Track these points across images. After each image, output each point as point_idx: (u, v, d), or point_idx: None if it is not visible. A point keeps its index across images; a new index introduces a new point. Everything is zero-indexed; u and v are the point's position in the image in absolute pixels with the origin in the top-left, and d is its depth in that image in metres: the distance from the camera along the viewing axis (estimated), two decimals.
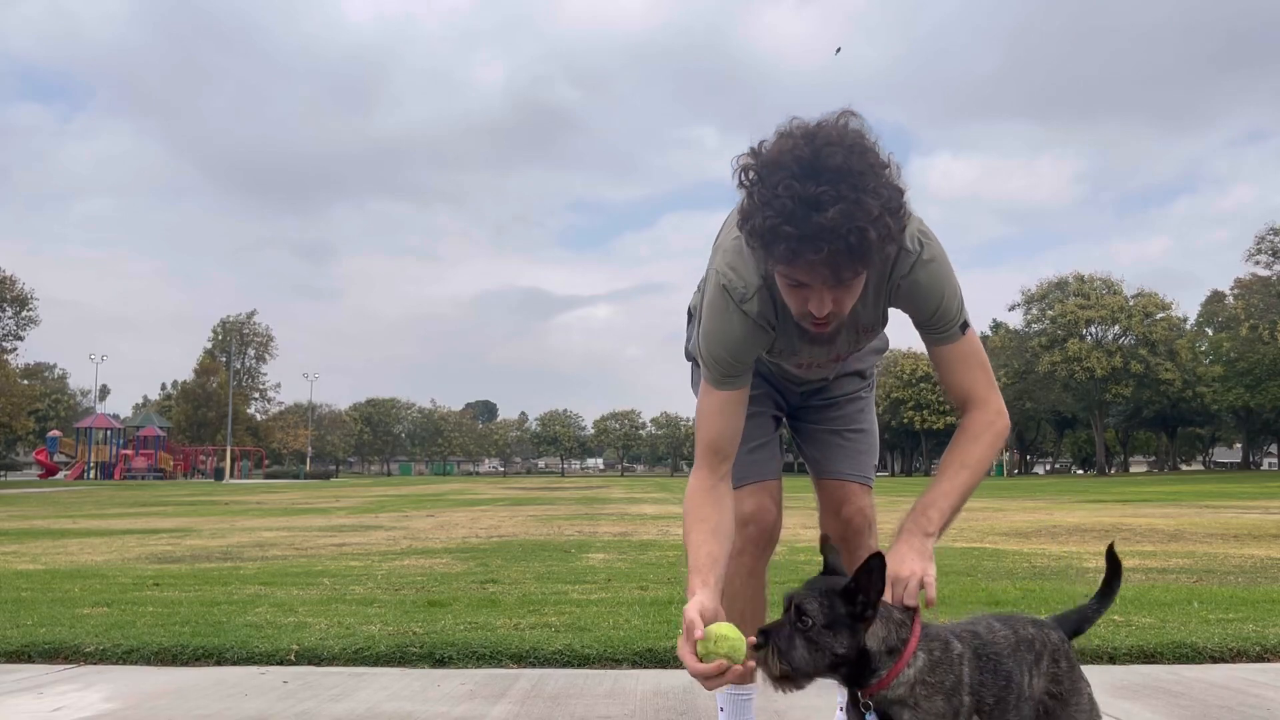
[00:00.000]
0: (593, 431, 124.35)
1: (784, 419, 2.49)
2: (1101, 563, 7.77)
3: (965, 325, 2.05)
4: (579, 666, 3.50)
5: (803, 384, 2.39)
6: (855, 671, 1.59)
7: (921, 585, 1.72)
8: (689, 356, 2.45)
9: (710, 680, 1.67)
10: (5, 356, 58.45)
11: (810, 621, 1.57)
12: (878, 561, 1.57)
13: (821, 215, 1.58)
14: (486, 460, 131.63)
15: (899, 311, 2.11)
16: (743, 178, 1.70)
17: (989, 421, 2.06)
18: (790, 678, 1.58)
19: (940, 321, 2.02)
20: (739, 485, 2.22)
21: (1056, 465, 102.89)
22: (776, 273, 1.79)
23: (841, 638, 1.56)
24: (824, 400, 2.42)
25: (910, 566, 1.75)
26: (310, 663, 3.57)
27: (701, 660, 1.66)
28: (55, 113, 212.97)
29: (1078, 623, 1.82)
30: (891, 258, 1.90)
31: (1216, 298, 70.32)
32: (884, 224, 1.65)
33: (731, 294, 1.93)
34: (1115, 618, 4.29)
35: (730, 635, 1.70)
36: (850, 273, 1.72)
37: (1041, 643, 1.70)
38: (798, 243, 1.62)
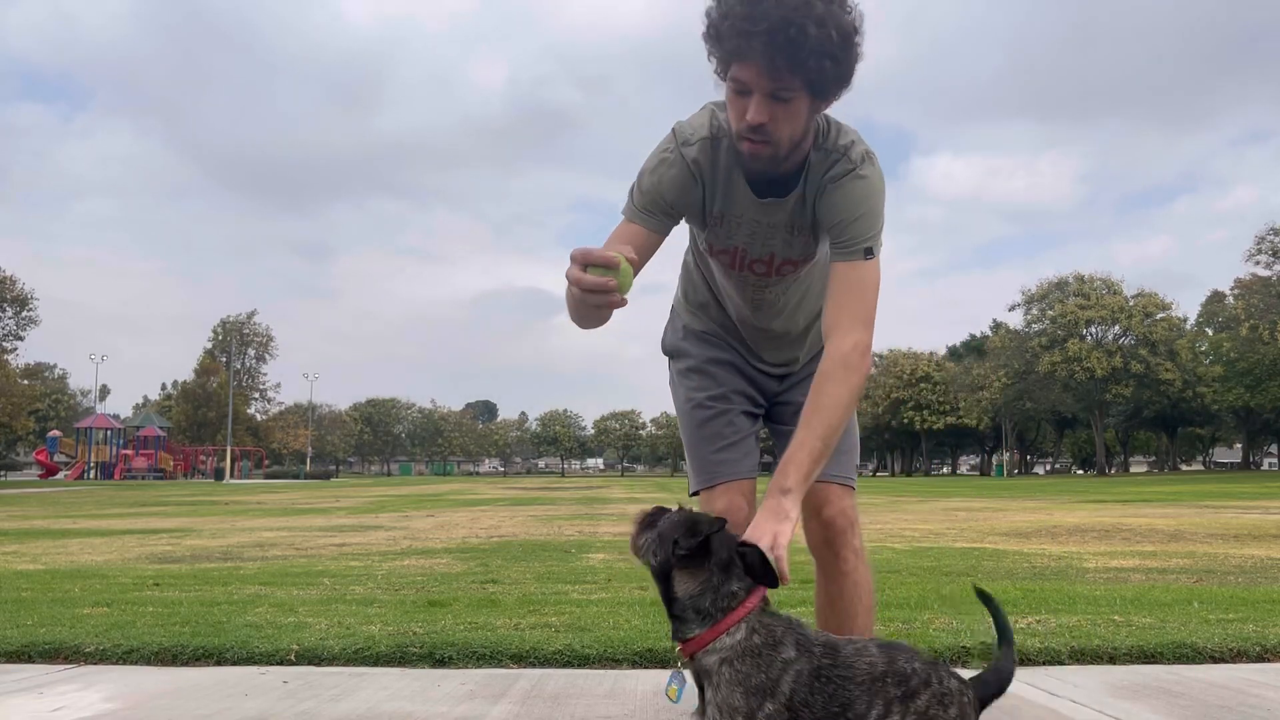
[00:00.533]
0: (593, 432, 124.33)
1: (760, 418, 2.47)
2: (1102, 563, 7.79)
3: (870, 252, 2.06)
4: (579, 666, 3.50)
5: (767, 344, 2.39)
6: (664, 600, 1.64)
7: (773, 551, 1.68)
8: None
9: (590, 296, 1.71)
10: (5, 356, 58.45)
11: (660, 524, 1.64)
12: (718, 527, 1.61)
13: (766, 4, 1.74)
14: (486, 460, 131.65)
15: None
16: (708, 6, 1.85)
17: (844, 357, 1.95)
18: (631, 546, 1.69)
19: (848, 235, 2.04)
20: (711, 484, 2.28)
21: (1056, 465, 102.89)
22: (728, 82, 1.88)
23: (659, 557, 1.62)
24: (803, 395, 2.39)
25: (760, 529, 1.74)
26: (310, 663, 3.57)
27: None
28: (56, 113, 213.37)
29: (998, 684, 1.65)
30: (833, 136, 2.04)
31: (1216, 298, 70.32)
32: (828, 33, 1.75)
33: (678, 134, 2.06)
34: (1115, 618, 4.29)
35: (626, 270, 1.74)
36: (787, 74, 1.80)
37: (923, 681, 1.54)
38: (741, 31, 1.76)
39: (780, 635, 1.55)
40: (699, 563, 1.59)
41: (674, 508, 1.69)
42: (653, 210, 2.07)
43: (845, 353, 1.95)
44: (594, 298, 1.72)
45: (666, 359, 2.56)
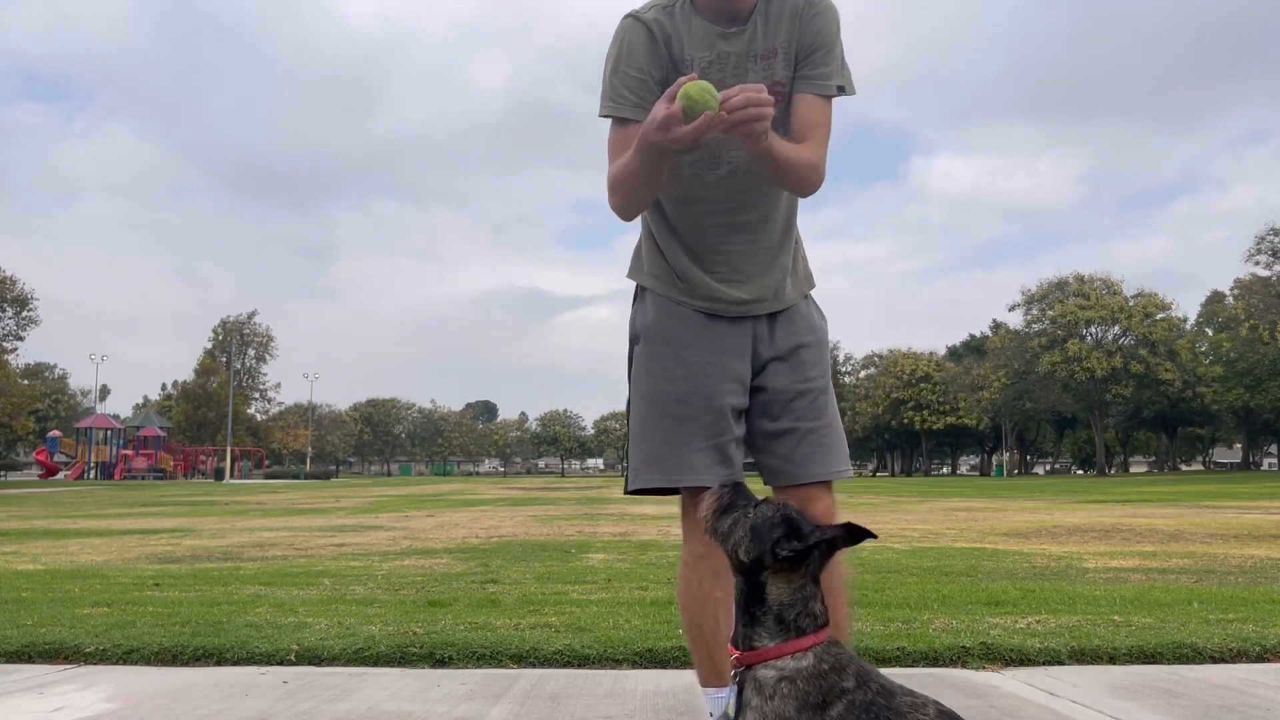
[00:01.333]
0: (593, 431, 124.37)
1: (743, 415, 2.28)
2: (1102, 563, 7.79)
3: (843, 90, 2.11)
4: (579, 666, 3.50)
5: (747, 249, 2.19)
6: (743, 604, 1.54)
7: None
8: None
9: (680, 130, 1.72)
10: (5, 356, 58.45)
11: (750, 513, 1.54)
12: (844, 533, 1.51)
13: None
14: (486, 460, 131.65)
15: None
16: None
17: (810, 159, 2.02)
18: (706, 525, 1.59)
19: (824, 67, 2.07)
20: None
21: (1056, 465, 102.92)
22: None
23: (750, 550, 1.51)
24: (794, 383, 2.21)
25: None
26: (310, 663, 3.57)
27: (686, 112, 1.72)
28: (57, 113, 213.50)
29: None
30: None
31: (1216, 298, 70.32)
32: None
33: (634, 12, 2.09)
34: (1115, 618, 4.30)
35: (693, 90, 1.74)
36: None
37: None
38: None
39: (845, 664, 1.50)
40: (796, 568, 1.50)
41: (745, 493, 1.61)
42: (636, 89, 2.02)
43: (815, 161, 2.02)
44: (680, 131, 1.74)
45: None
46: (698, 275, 2.17)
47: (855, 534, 1.52)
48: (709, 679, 2.10)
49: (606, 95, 2.06)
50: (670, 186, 2.11)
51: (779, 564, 1.49)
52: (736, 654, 1.52)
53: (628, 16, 2.07)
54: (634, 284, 2.28)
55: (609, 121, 2.07)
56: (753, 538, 1.51)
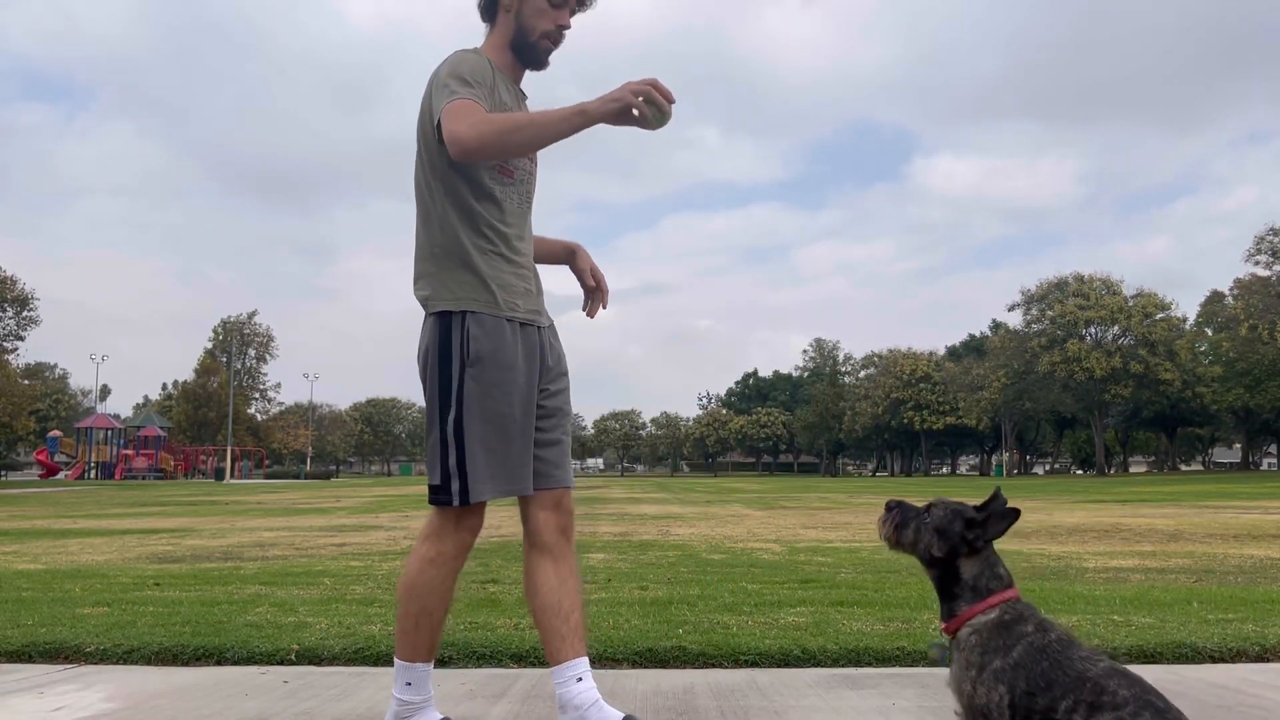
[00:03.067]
0: (593, 431, 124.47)
1: None
2: (1101, 562, 7.79)
3: None
4: None
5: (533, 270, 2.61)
6: (941, 586, 1.85)
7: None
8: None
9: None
10: (6, 356, 58.41)
11: (929, 519, 1.85)
12: (1010, 511, 1.83)
13: None
14: None
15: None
16: None
17: None
18: (891, 542, 1.92)
19: None
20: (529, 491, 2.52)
21: (1056, 465, 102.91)
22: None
23: (941, 546, 1.83)
24: (556, 397, 2.59)
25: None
26: (311, 662, 3.57)
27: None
28: (58, 113, 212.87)
29: None
30: None
31: (1216, 298, 70.32)
32: None
33: (477, 49, 2.55)
34: (1115, 617, 4.30)
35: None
36: None
37: (1114, 705, 1.59)
38: None
39: (1026, 615, 1.76)
40: (981, 550, 1.83)
41: (920, 503, 1.93)
42: (485, 95, 2.40)
43: None
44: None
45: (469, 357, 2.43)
46: (520, 287, 2.49)
47: (1013, 513, 1.84)
48: (425, 656, 2.46)
49: (460, 88, 2.37)
50: (492, 208, 2.45)
51: (971, 550, 1.82)
52: (944, 625, 1.84)
53: (467, 50, 2.51)
54: (437, 308, 2.44)
55: (469, 102, 2.35)
56: (941, 537, 1.83)
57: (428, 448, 2.45)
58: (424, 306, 2.46)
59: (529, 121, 2.31)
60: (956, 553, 1.81)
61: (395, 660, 2.47)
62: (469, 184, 2.42)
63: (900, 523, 1.89)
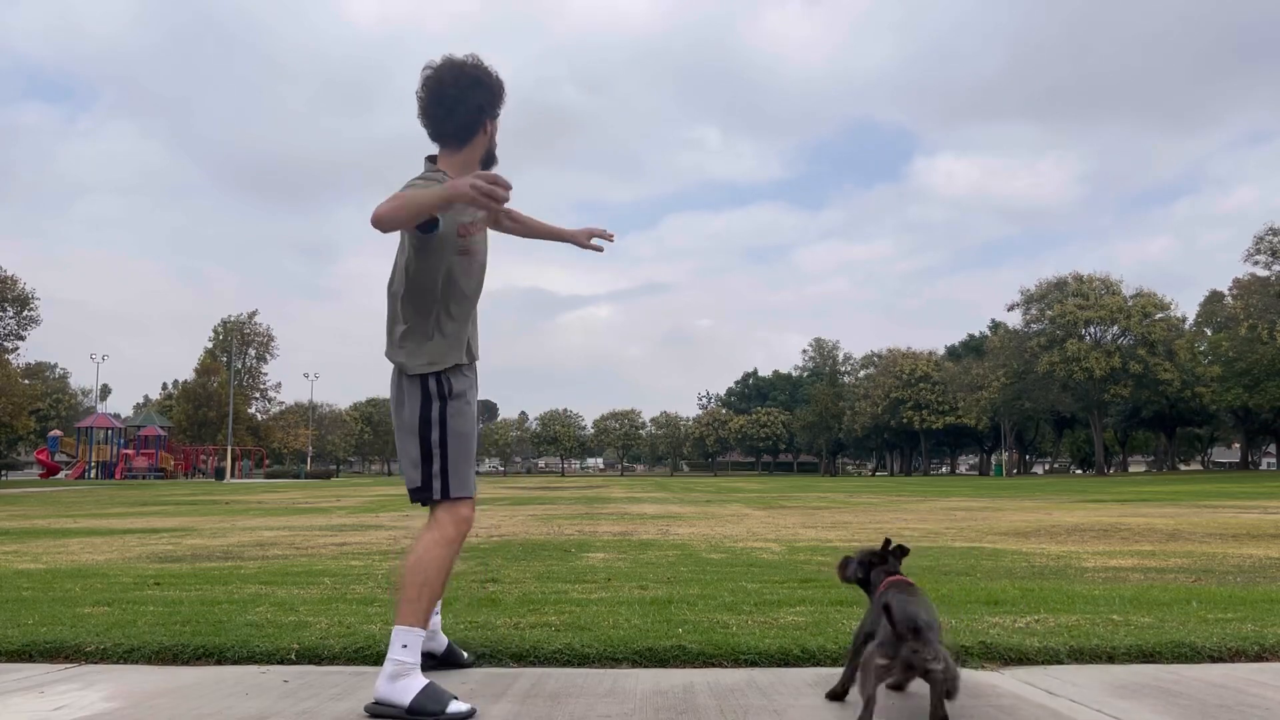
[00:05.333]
0: (593, 431, 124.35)
1: None
2: (1100, 562, 7.81)
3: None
4: (579, 666, 3.51)
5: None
6: (865, 588, 3.15)
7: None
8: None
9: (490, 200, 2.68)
10: (6, 356, 58.39)
11: (854, 558, 3.20)
12: (900, 549, 3.16)
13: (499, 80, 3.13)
14: (486, 460, 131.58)
15: None
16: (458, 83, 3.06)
17: None
18: (840, 579, 3.25)
19: None
20: (469, 496, 3.08)
21: (1055, 465, 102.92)
22: (488, 124, 3.13)
23: (859, 572, 3.18)
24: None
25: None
26: (311, 662, 3.58)
27: None
28: (60, 112, 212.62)
29: None
30: None
31: (1215, 298, 70.30)
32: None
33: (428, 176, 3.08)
34: (1114, 617, 4.30)
35: None
36: None
37: None
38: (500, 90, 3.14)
39: (892, 590, 2.89)
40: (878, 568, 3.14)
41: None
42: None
43: None
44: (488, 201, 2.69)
45: (442, 383, 3.08)
46: (473, 343, 3.18)
47: (902, 550, 3.14)
48: (422, 623, 2.90)
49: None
50: (467, 281, 3.08)
51: (878, 570, 3.07)
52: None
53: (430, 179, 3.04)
54: (420, 371, 3.06)
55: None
56: (861, 567, 3.12)
57: (408, 459, 3.06)
58: (403, 370, 3.06)
59: (409, 198, 2.81)
60: (870, 575, 3.09)
61: (395, 627, 2.87)
62: (444, 268, 3.01)
63: (843, 566, 3.19)
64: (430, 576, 2.91)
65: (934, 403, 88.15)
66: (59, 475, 58.00)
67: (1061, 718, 2.80)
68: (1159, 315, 67.88)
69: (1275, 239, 56.10)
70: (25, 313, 60.93)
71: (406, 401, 3.05)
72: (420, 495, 3.02)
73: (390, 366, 3.13)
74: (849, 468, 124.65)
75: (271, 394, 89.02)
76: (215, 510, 17.48)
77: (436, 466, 3.02)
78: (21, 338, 61.23)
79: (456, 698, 2.84)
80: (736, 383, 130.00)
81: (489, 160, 3.20)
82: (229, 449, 62.93)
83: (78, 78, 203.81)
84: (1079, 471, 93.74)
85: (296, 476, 64.83)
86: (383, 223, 2.75)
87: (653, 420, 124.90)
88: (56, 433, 64.76)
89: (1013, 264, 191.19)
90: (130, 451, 61.78)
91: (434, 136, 3.13)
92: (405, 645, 2.85)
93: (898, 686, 2.83)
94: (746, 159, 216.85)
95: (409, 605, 2.88)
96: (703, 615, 4.38)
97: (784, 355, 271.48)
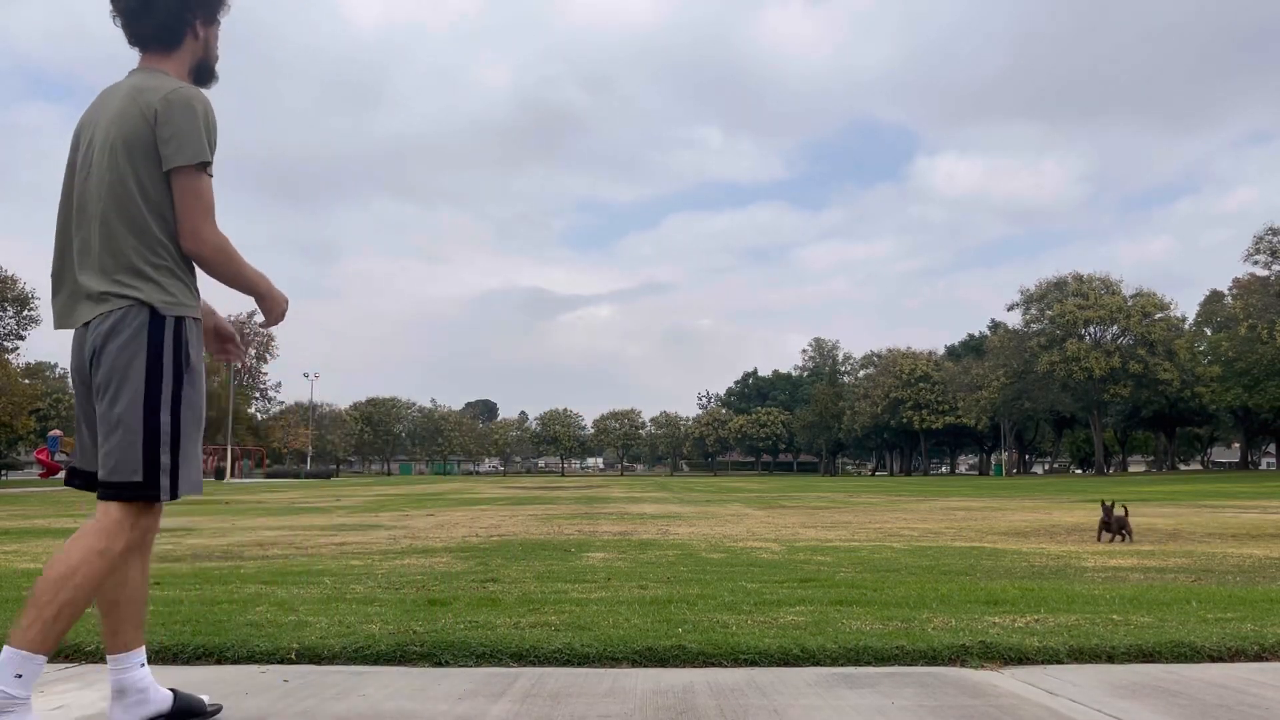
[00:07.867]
0: (593, 431, 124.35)
1: None
2: (1100, 562, 7.84)
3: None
4: (579, 665, 3.51)
5: None
6: None
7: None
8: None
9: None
10: (6, 356, 58.41)
11: None
12: None
13: None
14: (487, 460, 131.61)
15: None
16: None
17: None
18: None
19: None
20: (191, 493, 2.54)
21: (1055, 465, 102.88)
22: (198, 26, 2.70)
23: None
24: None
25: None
26: (311, 661, 3.58)
27: None
28: (61, 113, 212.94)
29: None
30: None
31: (1215, 297, 70.32)
32: None
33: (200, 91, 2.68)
34: (1114, 617, 4.31)
35: None
36: None
37: None
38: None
39: None
40: None
41: None
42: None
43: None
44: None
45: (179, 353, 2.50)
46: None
47: None
48: (50, 649, 2.32)
49: (210, 155, 2.58)
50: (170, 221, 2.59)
51: None
52: None
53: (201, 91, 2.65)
54: (171, 313, 2.49)
55: (212, 195, 2.62)
56: None
57: (119, 441, 2.42)
58: (126, 306, 2.43)
59: (240, 268, 2.60)
60: None
61: (6, 648, 2.28)
62: (168, 199, 2.54)
63: None
64: (78, 596, 2.34)
65: (934, 403, 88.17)
66: (59, 475, 57.94)
67: (1061, 717, 2.80)
68: (1159, 315, 67.93)
69: (1275, 239, 56.12)
70: (25, 312, 60.92)
71: (129, 360, 2.45)
72: (139, 492, 2.45)
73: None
74: (849, 468, 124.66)
75: (271, 394, 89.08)
76: (215, 510, 17.48)
77: (167, 457, 2.45)
78: (21, 337, 61.23)
79: None
80: (736, 383, 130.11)
81: (205, 74, 2.72)
82: (229, 449, 62.92)
83: (78, 77, 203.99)
84: (1079, 471, 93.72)
85: (296, 476, 64.86)
86: (206, 265, 2.52)
87: (652, 420, 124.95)
88: (56, 432, 64.38)
89: (1013, 264, 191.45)
90: None
91: (131, 40, 2.63)
92: (20, 675, 2.26)
93: None
94: (747, 158, 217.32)
95: (41, 626, 2.28)
96: (702, 615, 4.38)
97: (784, 355, 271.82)
